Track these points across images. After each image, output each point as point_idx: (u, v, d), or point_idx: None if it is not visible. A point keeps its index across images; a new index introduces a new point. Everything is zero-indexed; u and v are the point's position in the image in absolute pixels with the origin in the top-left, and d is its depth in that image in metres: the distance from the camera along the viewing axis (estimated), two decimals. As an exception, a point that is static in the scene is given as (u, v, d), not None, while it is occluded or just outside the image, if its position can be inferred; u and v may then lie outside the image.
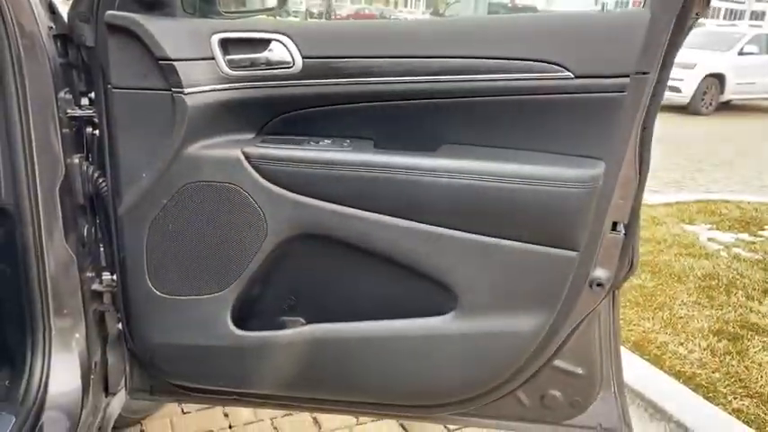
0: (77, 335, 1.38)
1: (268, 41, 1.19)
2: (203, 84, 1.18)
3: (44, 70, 1.23)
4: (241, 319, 1.33)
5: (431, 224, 1.23)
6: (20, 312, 1.34)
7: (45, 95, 1.24)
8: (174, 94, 1.18)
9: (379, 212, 1.23)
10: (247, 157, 1.22)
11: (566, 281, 1.24)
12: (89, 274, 1.40)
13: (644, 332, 2.76)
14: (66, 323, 1.37)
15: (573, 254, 1.22)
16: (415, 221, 1.23)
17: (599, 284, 1.28)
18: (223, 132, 1.24)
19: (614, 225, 1.26)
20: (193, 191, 1.24)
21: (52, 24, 1.26)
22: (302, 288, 1.34)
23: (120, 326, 1.46)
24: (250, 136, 1.27)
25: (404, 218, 1.23)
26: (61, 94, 1.26)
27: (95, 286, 1.42)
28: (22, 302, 1.33)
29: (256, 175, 1.22)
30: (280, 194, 1.23)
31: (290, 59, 1.19)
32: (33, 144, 1.24)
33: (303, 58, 1.18)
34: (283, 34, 1.19)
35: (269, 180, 1.23)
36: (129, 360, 1.47)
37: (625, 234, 1.26)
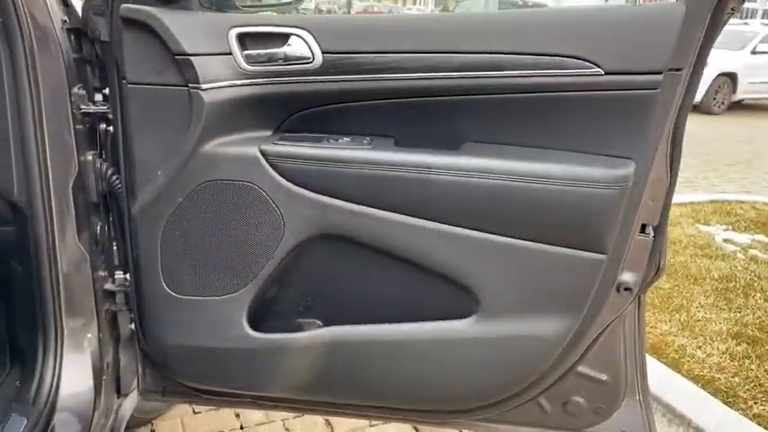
0: (90, 335, 1.36)
1: (287, 36, 1.16)
2: (220, 79, 1.16)
3: (57, 65, 1.21)
4: (256, 321, 1.30)
5: (452, 225, 1.19)
6: (31, 311, 1.32)
7: (58, 91, 1.22)
8: (190, 89, 1.15)
9: (400, 213, 1.20)
10: (265, 155, 1.20)
11: (592, 285, 1.20)
12: (102, 273, 1.38)
13: (661, 335, 2.71)
14: (79, 323, 1.35)
15: (600, 257, 1.18)
16: (436, 222, 1.20)
17: (627, 289, 1.24)
18: (240, 129, 1.21)
19: (643, 227, 1.22)
20: (209, 189, 1.21)
21: (66, 18, 1.24)
22: (319, 290, 1.31)
23: (132, 326, 1.43)
24: (268, 133, 1.24)
25: (424, 218, 1.20)
26: (75, 90, 1.24)
27: (108, 285, 1.40)
28: (33, 301, 1.31)
29: (274, 174, 1.20)
30: (298, 193, 1.20)
31: (309, 54, 1.16)
32: (46, 140, 1.22)
33: (323, 53, 1.15)
34: (303, 29, 1.16)
35: (287, 179, 1.20)
36: (141, 361, 1.45)
37: (654, 236, 1.22)
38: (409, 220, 1.20)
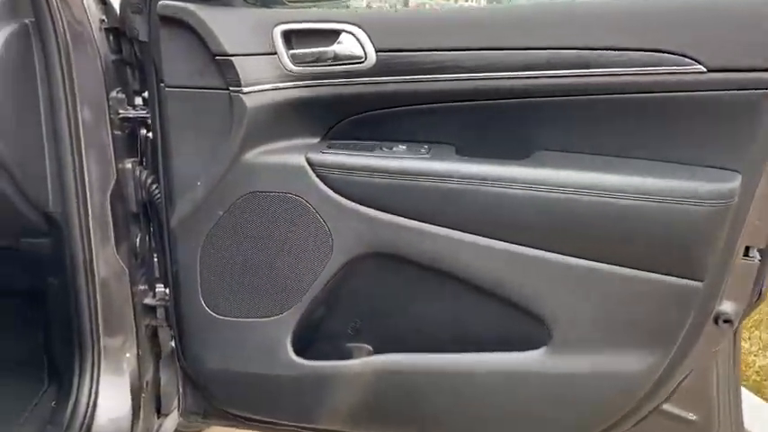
0: (128, 353, 1.31)
1: (337, 33, 1.07)
2: (264, 82, 1.08)
3: (95, 67, 1.16)
4: (301, 346, 1.22)
5: (522, 244, 1.08)
6: (68, 327, 1.27)
7: (96, 95, 1.17)
8: (231, 93, 1.07)
9: (461, 230, 1.10)
10: (311, 164, 1.11)
11: (686, 315, 1.06)
12: (141, 287, 1.32)
13: (741, 354, 2.49)
14: (117, 340, 1.30)
15: (696, 284, 1.03)
16: (503, 241, 1.09)
17: (726, 321, 1.07)
18: (285, 136, 1.13)
19: (747, 250, 1.06)
20: (251, 202, 1.14)
21: (104, 17, 1.18)
22: (370, 312, 1.22)
23: (173, 343, 1.36)
24: (315, 140, 1.16)
25: (489, 236, 1.09)
26: (113, 94, 1.19)
27: (148, 300, 1.34)
28: (69, 317, 1.27)
29: (321, 186, 1.11)
30: (347, 207, 1.12)
31: (361, 53, 1.06)
32: (83, 148, 1.18)
33: (377, 51, 1.06)
34: (354, 25, 1.06)
35: (335, 191, 1.11)
36: (182, 379, 1.38)
37: (760, 260, 1.05)
38: (472, 239, 1.09)
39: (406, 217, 1.10)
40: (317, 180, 1.11)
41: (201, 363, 1.27)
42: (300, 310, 1.18)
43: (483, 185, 1.06)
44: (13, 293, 1.40)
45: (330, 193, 1.11)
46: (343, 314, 1.22)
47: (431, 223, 1.10)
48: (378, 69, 1.06)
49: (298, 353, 1.21)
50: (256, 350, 1.21)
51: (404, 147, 1.12)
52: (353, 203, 1.11)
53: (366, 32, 1.05)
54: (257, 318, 1.19)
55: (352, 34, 1.06)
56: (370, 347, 1.23)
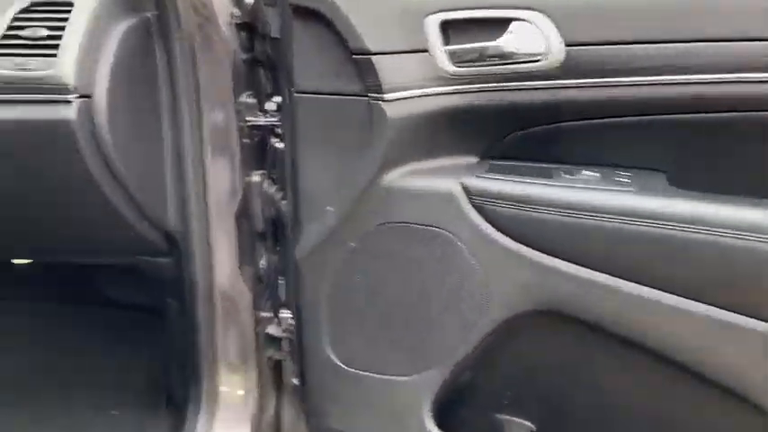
0: (248, 390, 1.22)
1: (508, 22, 0.89)
2: (412, 86, 0.93)
3: (223, 68, 1.08)
4: (443, 415, 1.04)
5: (756, 318, 0.82)
6: (184, 355, 1.22)
7: (223, 99, 1.10)
8: (370, 100, 0.93)
9: (671, 292, 0.86)
10: (467, 191, 0.95)
11: None
12: (265, 314, 1.22)
13: None
14: (236, 374, 1.22)
15: None
16: (729, 311, 0.84)
17: None
18: (434, 155, 0.99)
19: None
20: (390, 234, 0.99)
21: (234, 10, 1.09)
22: (534, 383, 1.02)
23: (296, 380, 1.24)
24: (472, 160, 1.00)
25: (710, 303, 0.85)
26: (243, 98, 1.11)
27: (272, 329, 1.23)
28: (186, 344, 1.20)
29: (478, 220, 0.95)
30: (512, 250, 0.94)
31: (542, 48, 0.87)
32: (208, 159, 1.11)
33: (566, 45, 0.86)
34: (534, 10, 0.87)
35: (497, 227, 0.95)
36: (306, 420, 1.25)
37: None
38: (686, 305, 0.85)
39: (592, 268, 0.89)
40: (472, 212, 0.95)
41: (323, 418, 1.14)
42: (445, 372, 1.01)
43: (710, 234, 0.82)
44: (139, 309, 1.40)
45: (489, 229, 0.95)
46: (499, 381, 1.04)
47: (628, 280, 0.88)
48: (566, 69, 0.87)
49: (438, 424, 1.04)
50: (387, 414, 1.06)
51: (594, 173, 0.93)
52: (520, 245, 0.94)
53: (552, 20, 0.85)
54: (391, 375, 1.04)
55: (530, 22, 0.87)
56: (531, 426, 1.03)
